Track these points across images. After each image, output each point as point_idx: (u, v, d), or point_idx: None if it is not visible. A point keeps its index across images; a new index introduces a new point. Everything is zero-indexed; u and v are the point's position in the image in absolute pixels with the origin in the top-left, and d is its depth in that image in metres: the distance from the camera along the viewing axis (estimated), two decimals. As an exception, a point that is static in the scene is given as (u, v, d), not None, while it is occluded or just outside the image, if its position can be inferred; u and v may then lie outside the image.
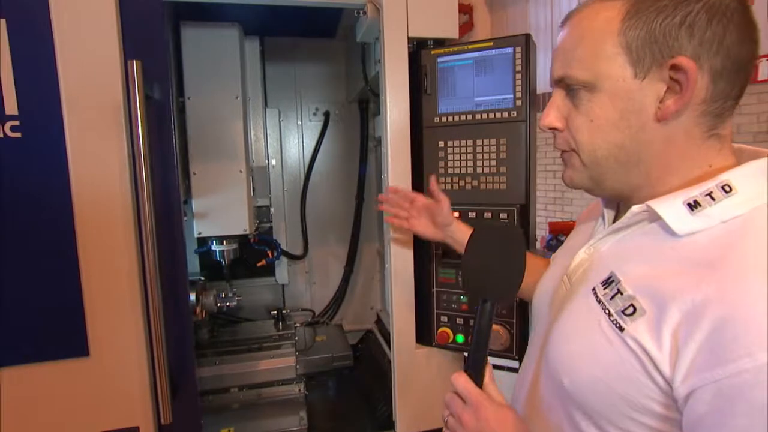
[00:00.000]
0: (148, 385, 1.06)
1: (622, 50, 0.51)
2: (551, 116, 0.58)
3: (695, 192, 0.51)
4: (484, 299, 0.63)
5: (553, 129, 0.59)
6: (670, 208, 0.52)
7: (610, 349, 0.52)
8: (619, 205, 0.66)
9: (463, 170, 1.15)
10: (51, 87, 0.97)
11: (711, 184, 0.50)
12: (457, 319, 1.19)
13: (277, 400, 1.50)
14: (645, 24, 0.50)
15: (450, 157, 1.17)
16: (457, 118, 1.15)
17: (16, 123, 0.96)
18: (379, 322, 1.82)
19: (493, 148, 1.11)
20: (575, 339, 0.58)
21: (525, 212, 1.11)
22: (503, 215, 1.12)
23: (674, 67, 0.50)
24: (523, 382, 0.72)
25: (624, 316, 0.51)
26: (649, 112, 0.52)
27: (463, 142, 1.14)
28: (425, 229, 1.06)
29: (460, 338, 1.19)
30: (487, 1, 4.99)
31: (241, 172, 1.42)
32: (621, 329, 0.51)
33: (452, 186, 1.17)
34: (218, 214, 1.42)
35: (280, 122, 1.78)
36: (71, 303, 1.00)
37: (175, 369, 1.09)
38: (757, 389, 0.40)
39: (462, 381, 0.62)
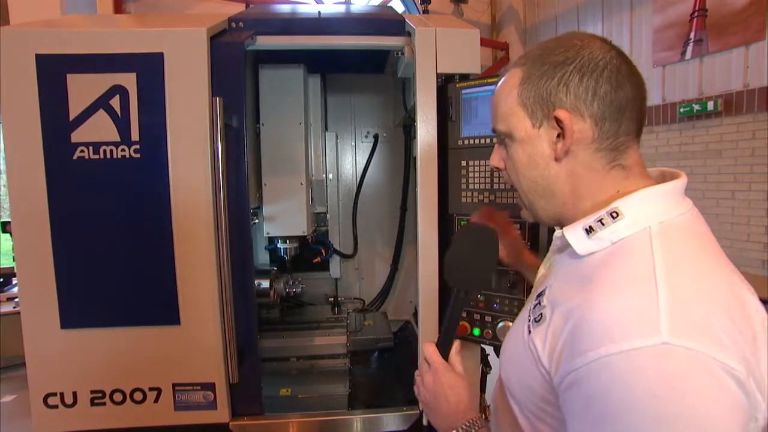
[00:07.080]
0: (221, 351, 1.17)
1: (521, 108, 0.57)
2: (495, 159, 0.64)
3: (591, 219, 0.53)
4: (459, 289, 0.67)
5: (498, 169, 0.64)
6: (574, 233, 0.54)
7: (523, 349, 0.55)
8: None
9: (482, 186, 1.16)
10: (161, 119, 1.11)
11: (603, 212, 0.52)
12: (475, 314, 1.20)
13: (326, 371, 1.59)
14: (533, 86, 0.55)
15: (471, 174, 1.18)
16: (477, 141, 1.16)
17: (138, 146, 1.12)
18: (416, 314, 1.83)
19: (507, 168, 1.11)
20: (511, 339, 0.62)
21: (536, 225, 1.09)
22: (516, 226, 1.12)
23: (556, 118, 0.54)
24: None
25: (534, 323, 0.55)
26: (548, 154, 0.56)
27: (481, 162, 1.15)
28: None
29: (476, 331, 1.19)
30: (521, 38, 4.91)
31: (301, 184, 1.52)
32: (529, 332, 0.55)
33: (472, 200, 1.18)
34: (283, 218, 1.53)
35: (337, 143, 1.87)
36: (169, 284, 1.14)
37: (242, 341, 1.20)
38: (588, 382, 0.43)
39: (429, 350, 0.68)
